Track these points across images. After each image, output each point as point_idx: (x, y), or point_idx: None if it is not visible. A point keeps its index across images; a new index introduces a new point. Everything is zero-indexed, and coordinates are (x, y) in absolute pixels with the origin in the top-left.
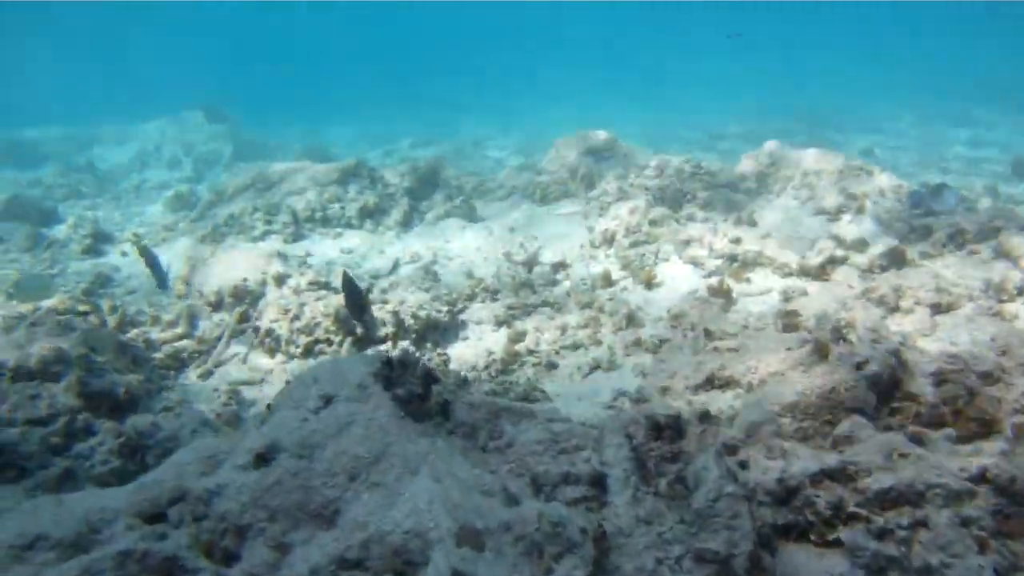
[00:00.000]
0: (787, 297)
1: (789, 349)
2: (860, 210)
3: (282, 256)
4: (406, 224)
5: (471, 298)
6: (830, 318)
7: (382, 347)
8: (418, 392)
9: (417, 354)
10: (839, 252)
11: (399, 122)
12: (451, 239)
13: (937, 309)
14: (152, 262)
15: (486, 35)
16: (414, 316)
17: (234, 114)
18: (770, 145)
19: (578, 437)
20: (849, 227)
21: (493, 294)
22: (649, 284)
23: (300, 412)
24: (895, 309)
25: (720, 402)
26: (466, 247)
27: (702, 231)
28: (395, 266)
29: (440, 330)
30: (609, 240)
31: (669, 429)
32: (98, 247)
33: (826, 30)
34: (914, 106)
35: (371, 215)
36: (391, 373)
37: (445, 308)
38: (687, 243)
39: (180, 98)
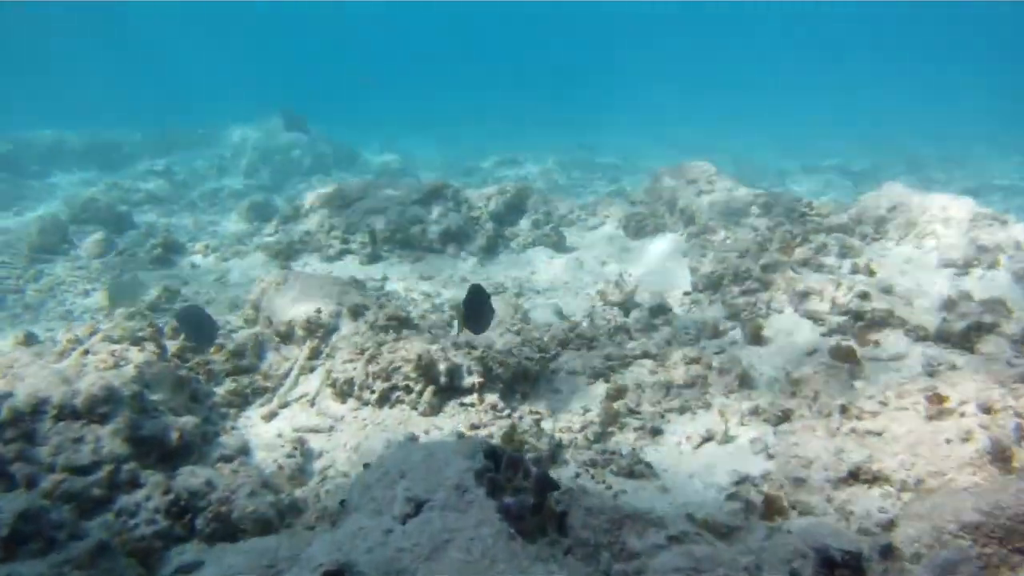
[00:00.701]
0: (931, 370)
1: (949, 442)
2: (993, 264)
3: (359, 285)
4: (491, 250)
5: (565, 343)
6: (1006, 418)
7: (467, 399)
8: (531, 503)
9: (521, 453)
10: (987, 318)
11: (496, 137)
12: (537, 270)
13: None
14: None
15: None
16: (503, 363)
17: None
18: (892, 187)
19: (726, 567)
20: (982, 283)
21: (589, 342)
22: (757, 337)
23: (383, 520)
24: None
25: (867, 503)
26: (554, 279)
27: (823, 282)
28: None
29: (530, 380)
30: (715, 284)
31: (846, 568)
32: (168, 257)
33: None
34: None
35: (454, 239)
36: (497, 473)
37: (536, 356)
38: (805, 295)
39: (248, 105)
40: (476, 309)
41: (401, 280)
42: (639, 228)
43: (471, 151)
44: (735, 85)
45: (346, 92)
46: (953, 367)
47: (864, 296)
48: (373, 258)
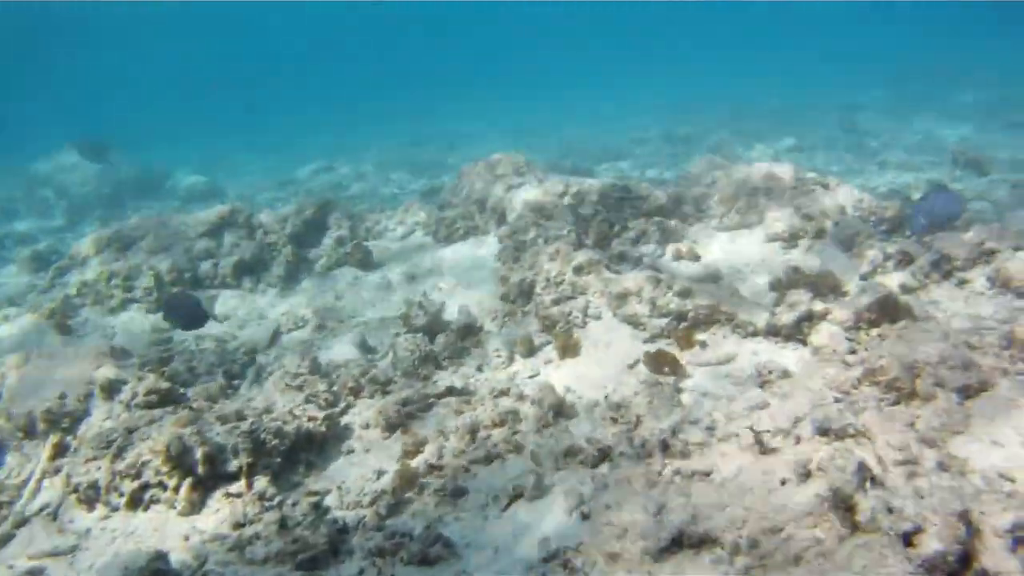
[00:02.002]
0: (762, 379)
1: (784, 483)
2: (819, 234)
3: (122, 352)
4: (291, 278)
5: (356, 391)
6: (846, 456)
7: (234, 487)
8: None
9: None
10: (818, 306)
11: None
12: (343, 294)
13: (967, 392)
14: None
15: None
16: (278, 434)
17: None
18: (704, 160)
19: None
20: (810, 255)
21: (383, 386)
22: (568, 352)
23: None
24: (911, 395)
25: None
26: (360, 303)
27: (640, 281)
28: (274, 337)
29: (316, 445)
30: (527, 293)
31: None
32: None
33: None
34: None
35: (249, 271)
36: None
37: (322, 415)
38: (623, 297)
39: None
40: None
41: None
42: (449, 234)
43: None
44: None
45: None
46: (785, 374)
47: (685, 293)
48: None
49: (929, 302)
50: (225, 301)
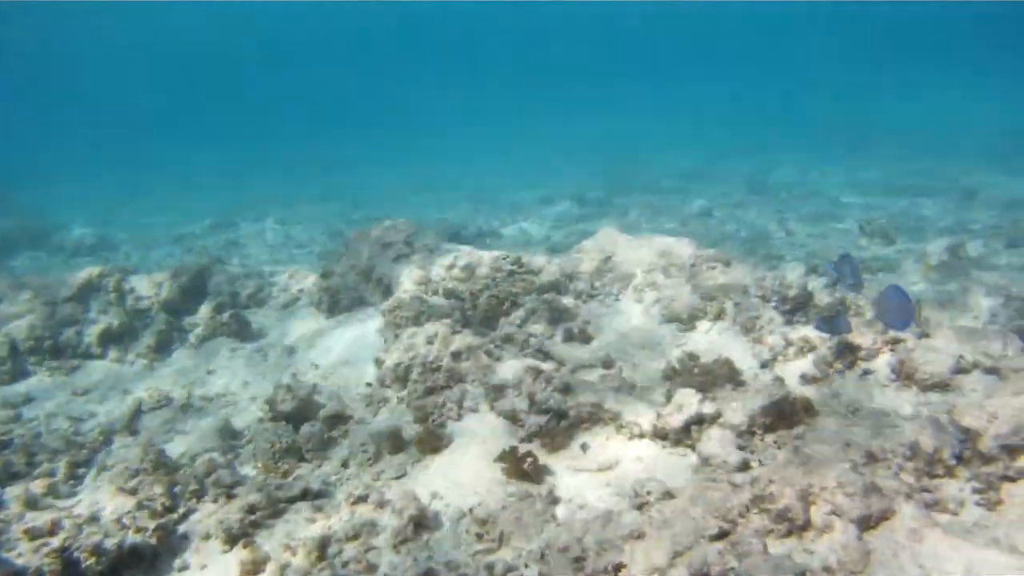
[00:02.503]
0: (641, 499)
1: None
2: (719, 315)
3: None
4: (163, 348)
5: (199, 494)
6: None
7: None
8: None
9: None
10: (708, 407)
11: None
12: (216, 368)
13: (866, 523)
14: None
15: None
16: (96, 551)
17: None
18: (607, 232)
19: None
20: (708, 339)
21: (229, 488)
22: (438, 450)
23: None
24: (804, 527)
25: None
26: (233, 379)
27: (519, 372)
28: (134, 416)
29: (145, 563)
30: (402, 379)
31: None
32: None
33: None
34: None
35: (117, 340)
36: None
37: (154, 524)
38: (500, 389)
39: None
40: None
41: (49, 400)
42: (333, 304)
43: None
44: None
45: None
46: (667, 494)
47: (566, 389)
48: (15, 375)
49: (831, 394)
50: (88, 373)
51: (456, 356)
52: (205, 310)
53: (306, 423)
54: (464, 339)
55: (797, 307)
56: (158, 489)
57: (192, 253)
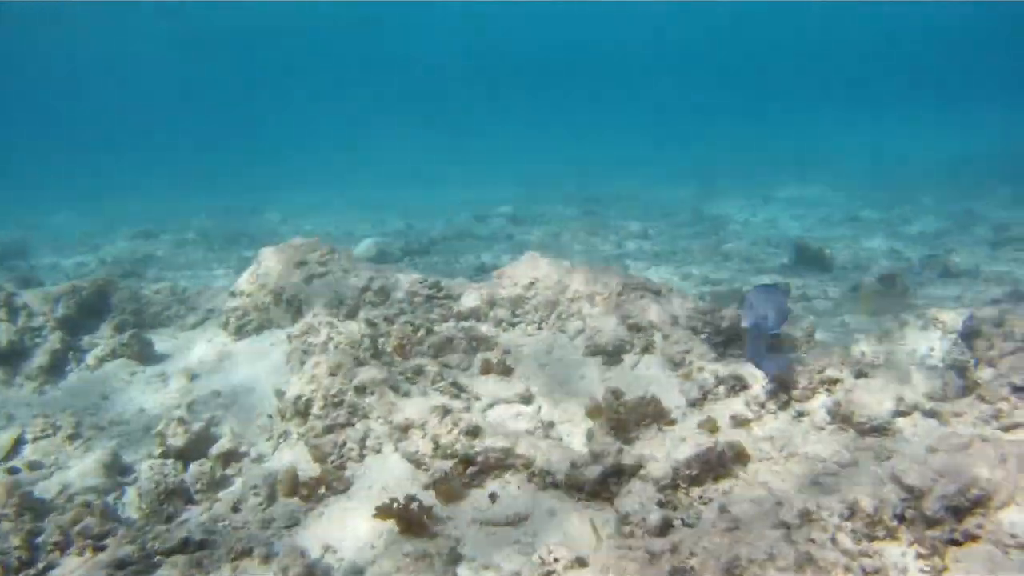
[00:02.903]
0: (547, 568)
1: None
2: (647, 348)
3: None
4: (56, 370)
5: (63, 545)
6: None
7: None
8: None
9: None
10: (628, 458)
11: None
12: (111, 393)
13: None
14: None
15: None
16: None
17: None
18: (532, 258)
19: None
20: (634, 375)
21: (98, 539)
22: (333, 495)
23: None
24: None
25: None
26: (129, 406)
27: (424, 411)
28: (15, 447)
29: None
30: (303, 412)
31: None
32: None
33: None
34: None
35: (5, 360)
36: None
37: None
38: (405, 429)
39: None
40: None
41: None
42: (241, 326)
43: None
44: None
45: None
46: (577, 562)
47: (474, 432)
48: None
49: (764, 437)
50: None
51: (360, 390)
52: (106, 328)
53: (197, 460)
54: (369, 372)
55: (731, 339)
56: (15, 541)
57: (105, 264)
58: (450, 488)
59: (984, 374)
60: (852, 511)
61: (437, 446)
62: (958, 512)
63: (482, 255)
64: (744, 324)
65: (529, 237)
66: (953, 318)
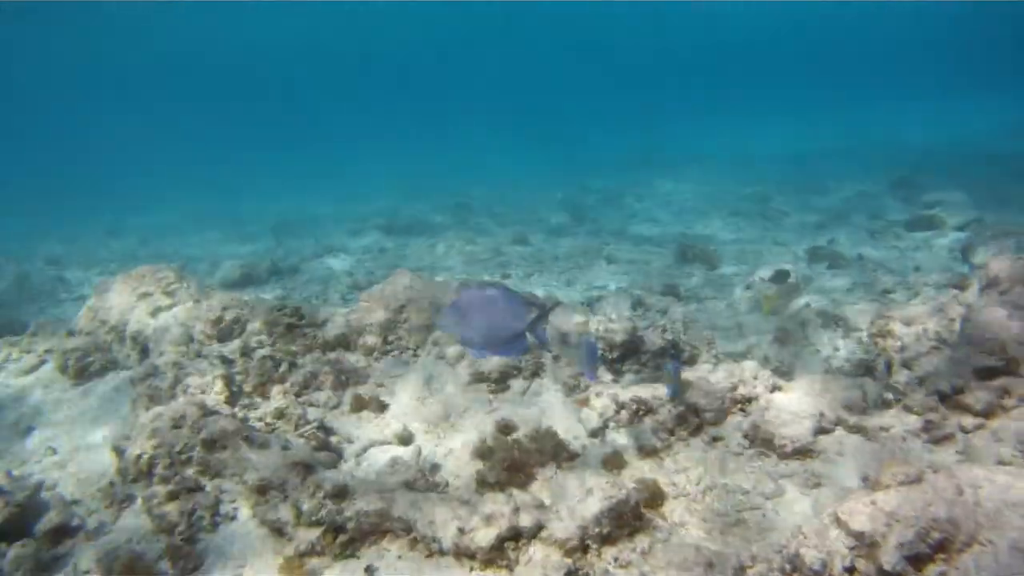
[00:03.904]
0: None
1: None
2: (536, 372)
3: None
4: None
5: None
6: None
7: None
8: None
9: None
10: (527, 519)
11: None
12: None
13: None
14: None
15: None
16: None
17: None
18: (398, 276)
19: None
20: (523, 401)
21: None
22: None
23: None
24: None
25: None
26: None
27: (281, 470)
28: None
29: None
30: (146, 472)
31: None
32: None
33: None
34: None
35: None
36: None
37: None
38: (263, 491)
39: None
40: None
41: None
42: (82, 368)
43: None
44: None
45: None
46: None
47: (341, 494)
48: None
49: (677, 469)
50: None
51: (210, 445)
52: None
53: (21, 540)
54: (219, 423)
55: (626, 354)
56: None
57: None
58: (326, 559)
59: (900, 377)
60: (794, 567)
61: (299, 512)
62: (918, 560)
63: (355, 274)
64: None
65: (406, 251)
66: (855, 315)
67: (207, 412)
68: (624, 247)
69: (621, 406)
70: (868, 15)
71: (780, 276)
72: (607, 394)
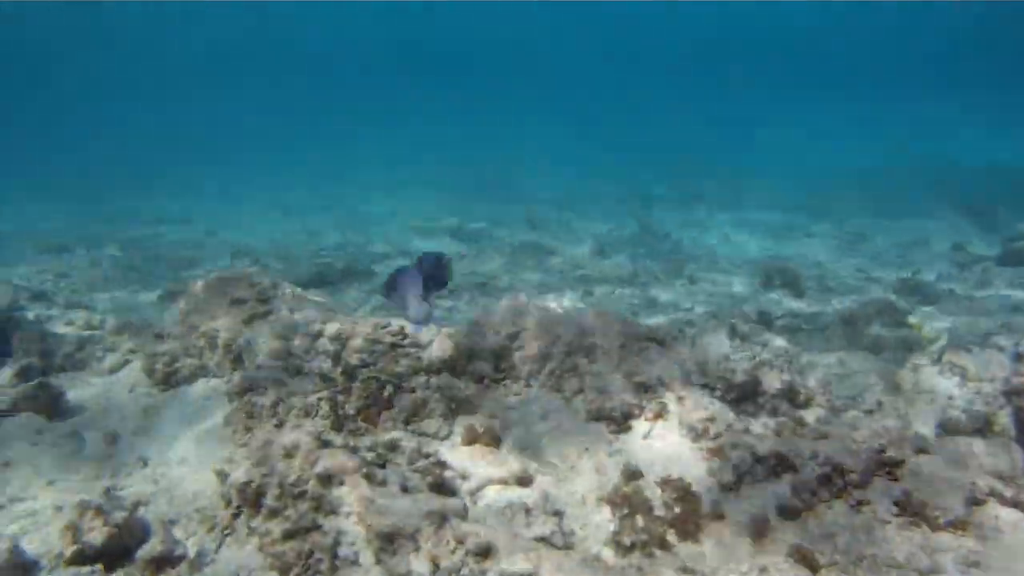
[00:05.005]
0: None
1: None
2: (660, 414)
3: None
4: None
5: None
6: None
7: None
8: None
9: None
10: None
11: None
12: (15, 458)
13: None
14: None
15: None
16: None
17: None
18: (508, 303)
19: None
20: (648, 445)
21: None
22: None
23: None
24: None
25: None
26: (36, 478)
27: (414, 516)
28: None
29: None
30: (253, 501)
31: None
32: None
33: None
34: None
35: None
36: None
37: None
38: (390, 538)
39: None
40: None
41: None
42: (169, 374)
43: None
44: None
45: None
46: None
47: (485, 552)
48: None
49: (821, 535)
50: None
51: (325, 480)
52: (7, 375)
53: (119, 568)
54: (335, 456)
55: (744, 396)
56: None
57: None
58: None
59: None
60: None
61: (437, 568)
62: None
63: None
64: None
65: (489, 266)
66: (973, 363)
67: (323, 443)
68: (700, 265)
69: (758, 458)
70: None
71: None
72: (744, 444)
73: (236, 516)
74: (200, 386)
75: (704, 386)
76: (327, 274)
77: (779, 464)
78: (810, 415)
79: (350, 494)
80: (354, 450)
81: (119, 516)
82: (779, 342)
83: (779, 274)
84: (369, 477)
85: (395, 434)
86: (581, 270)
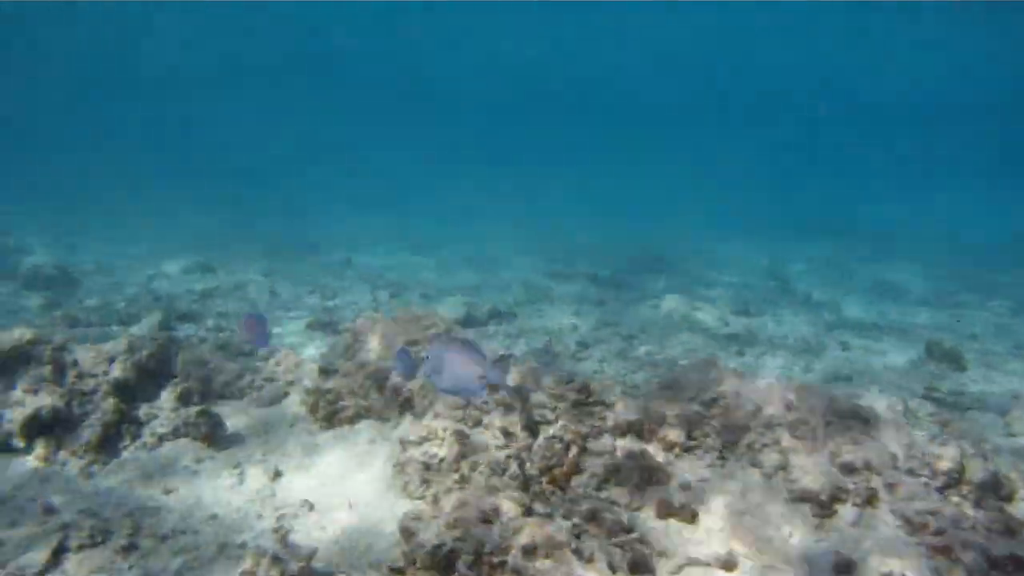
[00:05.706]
0: None
1: None
2: (870, 500)
3: None
4: (108, 446)
5: None
6: None
7: None
8: None
9: None
10: None
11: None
12: (174, 487)
13: None
14: None
15: None
16: None
17: None
18: (704, 362)
19: None
20: (855, 536)
21: None
22: None
23: None
24: None
25: None
26: (197, 508)
27: None
28: (56, 556)
29: None
30: (443, 567)
31: None
32: None
33: None
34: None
35: (48, 430)
36: None
37: None
38: None
39: None
40: None
41: None
42: (331, 413)
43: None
44: None
45: None
46: None
47: None
48: None
49: None
50: (2, 475)
51: (529, 552)
52: (168, 398)
53: None
54: (542, 528)
55: (949, 485)
56: None
57: (159, 303)
58: None
59: None
60: None
61: None
62: None
63: (580, 329)
64: None
65: (626, 309)
66: None
67: (527, 510)
68: (847, 331)
69: (994, 564)
70: None
71: None
72: (974, 545)
73: None
74: (363, 427)
75: (909, 471)
76: (475, 314)
77: (1017, 570)
78: (1015, 509)
79: (556, 571)
80: (548, 516)
81: (295, 566)
82: (961, 424)
83: (941, 348)
84: (579, 553)
85: (594, 503)
86: (726, 327)
